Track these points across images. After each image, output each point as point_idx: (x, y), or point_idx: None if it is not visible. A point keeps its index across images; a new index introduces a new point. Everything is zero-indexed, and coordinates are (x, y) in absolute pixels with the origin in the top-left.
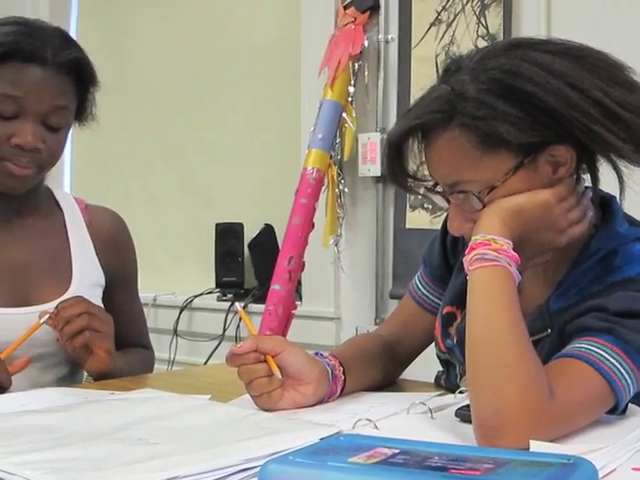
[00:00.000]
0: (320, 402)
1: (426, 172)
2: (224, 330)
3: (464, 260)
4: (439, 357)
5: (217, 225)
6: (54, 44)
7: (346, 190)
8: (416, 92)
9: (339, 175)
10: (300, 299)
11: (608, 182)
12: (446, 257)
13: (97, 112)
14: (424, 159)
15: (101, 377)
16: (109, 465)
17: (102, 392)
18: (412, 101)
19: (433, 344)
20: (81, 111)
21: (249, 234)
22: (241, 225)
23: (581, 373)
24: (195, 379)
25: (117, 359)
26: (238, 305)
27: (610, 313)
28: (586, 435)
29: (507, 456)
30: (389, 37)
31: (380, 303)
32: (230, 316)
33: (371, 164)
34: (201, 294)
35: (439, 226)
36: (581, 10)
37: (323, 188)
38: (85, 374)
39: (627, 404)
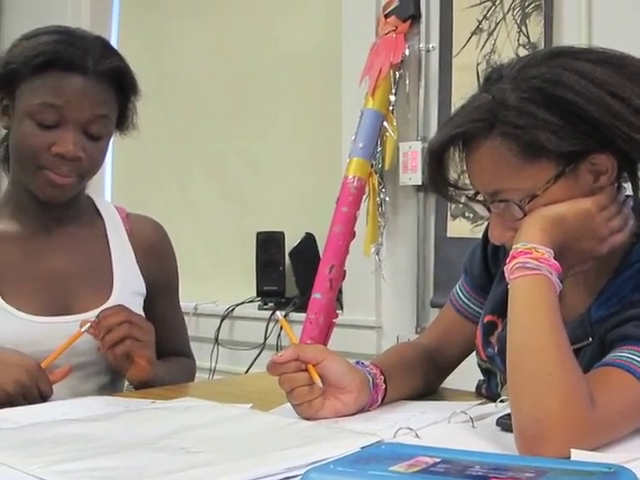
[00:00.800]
0: (361, 411)
1: (467, 181)
2: (265, 339)
3: (505, 269)
4: (480, 366)
5: (258, 234)
6: (95, 53)
7: (387, 199)
8: (457, 101)
9: (380, 184)
10: (341, 308)
11: None
12: (487, 266)
13: (138, 121)
14: (465, 168)
15: (142, 386)
16: (150, 474)
17: (143, 401)
18: (453, 110)
19: (474, 353)
20: (122, 120)
21: (290, 243)
22: (282, 234)
23: (622, 382)
24: (236, 388)
25: (158, 368)
26: (279, 314)
27: None
28: (627, 444)
29: (548, 465)
30: (430, 46)
31: (421, 312)
32: (271, 325)
33: (412, 173)
34: (242, 303)
35: (480, 235)
36: (622, 19)
37: (364, 197)
38: (126, 383)
39: None
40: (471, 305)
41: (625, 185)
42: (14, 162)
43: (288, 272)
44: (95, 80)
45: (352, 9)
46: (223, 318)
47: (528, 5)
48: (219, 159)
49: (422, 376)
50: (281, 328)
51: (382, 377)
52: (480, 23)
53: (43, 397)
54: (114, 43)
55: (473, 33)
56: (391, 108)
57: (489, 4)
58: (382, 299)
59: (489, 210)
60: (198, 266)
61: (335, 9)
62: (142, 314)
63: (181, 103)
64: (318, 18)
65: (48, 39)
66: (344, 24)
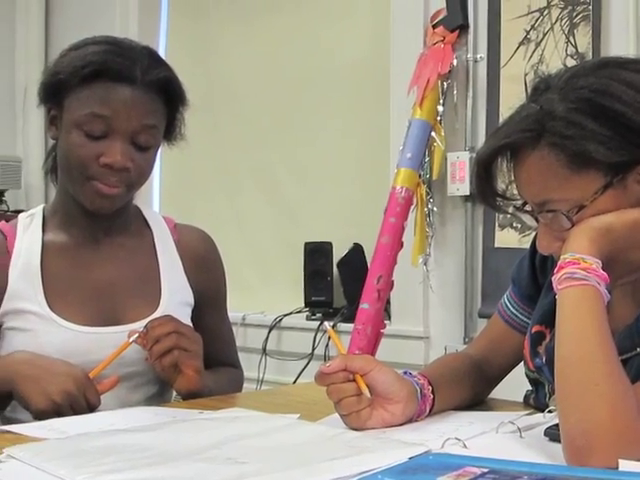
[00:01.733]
0: (409, 421)
1: (515, 191)
2: (313, 349)
3: (553, 279)
4: (528, 376)
5: (306, 244)
6: (143, 63)
7: (435, 209)
8: (505, 111)
9: (428, 194)
10: (389, 318)
11: None
12: (535, 276)
13: (186, 131)
14: (513, 178)
15: (190, 396)
16: None
17: (191, 411)
18: (501, 120)
19: (522, 363)
20: (170, 130)
21: (338, 253)
22: (330, 244)
23: None
24: (284, 398)
25: (206, 378)
26: (327, 324)
27: None
28: None
29: (596, 475)
30: (478, 56)
31: (469, 322)
32: (319, 335)
33: (460, 183)
34: (290, 313)
35: (528, 245)
36: None
37: (412, 207)
38: (174, 393)
39: None
40: (519, 315)
41: None
42: (62, 173)
43: (336, 282)
44: (143, 90)
45: (400, 19)
46: (271, 328)
47: (576, 15)
48: (267, 169)
49: (470, 386)
50: (329, 338)
51: (430, 387)
52: (528, 33)
53: (91, 407)
54: (162, 53)
55: (521, 43)
56: (439, 118)
57: (537, 14)
58: (430, 309)
59: (537, 220)
60: (246, 276)
61: (383, 19)
62: (190, 324)
63: (229, 113)
64: (366, 28)
65: (96, 49)
66: (392, 34)
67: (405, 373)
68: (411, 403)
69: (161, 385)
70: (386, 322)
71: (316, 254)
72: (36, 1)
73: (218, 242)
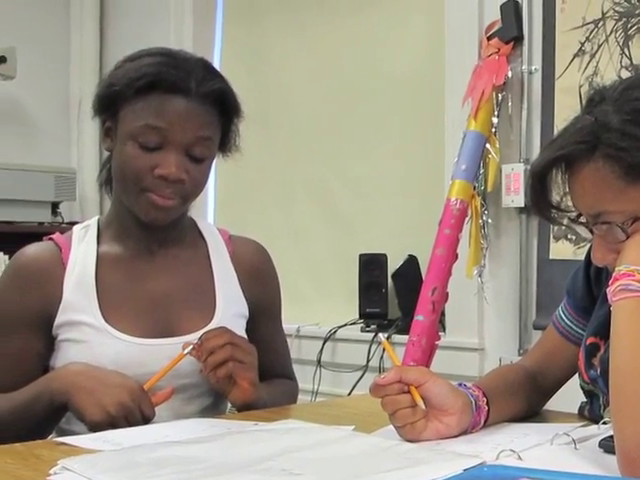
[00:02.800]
0: (463, 433)
1: (570, 203)
2: (367, 361)
3: (608, 291)
4: (583, 388)
5: (361, 256)
6: (198, 75)
7: (490, 221)
8: (559, 123)
9: (483, 206)
10: (444, 330)
11: None
12: (590, 288)
13: (241, 143)
14: (568, 190)
15: (245, 408)
16: None
17: (245, 423)
18: (555, 132)
19: (576, 375)
20: (225, 142)
21: (393, 265)
22: (385, 256)
23: None
24: (339, 410)
25: (261, 390)
26: (382, 336)
27: None
28: None
29: None
30: (533, 68)
31: (524, 334)
32: (374, 347)
33: (515, 195)
34: (345, 325)
35: (583, 257)
36: None
37: (467, 219)
38: (229, 405)
39: None
40: (574, 327)
41: None
42: (117, 184)
43: (390, 294)
44: (198, 102)
45: (455, 31)
46: (325, 340)
47: (630, 27)
48: (321, 181)
49: (525, 398)
50: (384, 350)
51: (485, 399)
52: (582, 45)
53: (145, 419)
54: (217, 64)
55: (575, 55)
56: (494, 130)
57: (592, 26)
58: (484, 321)
59: (592, 232)
60: (300, 288)
61: (438, 30)
62: (245, 336)
63: (284, 125)
64: (421, 39)
65: (151, 61)
66: (447, 45)
67: (460, 385)
68: (466, 415)
69: (216, 397)
70: (441, 334)
71: (371, 266)
72: (90, 13)
73: (272, 254)
